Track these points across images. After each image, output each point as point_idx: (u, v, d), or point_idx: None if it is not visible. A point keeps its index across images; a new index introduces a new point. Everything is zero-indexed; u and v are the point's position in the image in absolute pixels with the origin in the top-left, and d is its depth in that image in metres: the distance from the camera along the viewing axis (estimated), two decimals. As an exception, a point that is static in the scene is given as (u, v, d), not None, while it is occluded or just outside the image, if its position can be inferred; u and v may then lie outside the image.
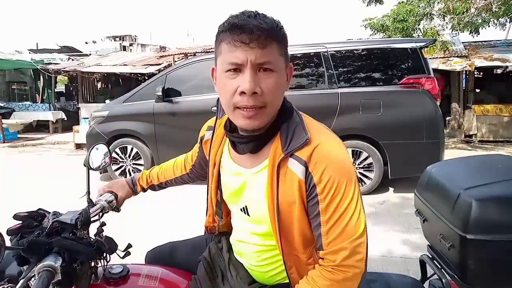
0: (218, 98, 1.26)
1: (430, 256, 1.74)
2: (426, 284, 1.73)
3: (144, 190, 1.77)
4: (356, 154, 5.67)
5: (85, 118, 11.90)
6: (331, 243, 1.12)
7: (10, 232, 1.17)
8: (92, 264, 1.35)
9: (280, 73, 1.15)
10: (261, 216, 1.26)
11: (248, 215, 1.31)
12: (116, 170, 6.63)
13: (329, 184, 1.11)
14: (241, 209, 1.33)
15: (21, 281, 1.07)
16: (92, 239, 1.32)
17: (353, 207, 1.12)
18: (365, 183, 5.72)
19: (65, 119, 14.80)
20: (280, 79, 1.15)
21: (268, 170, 1.19)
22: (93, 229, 1.39)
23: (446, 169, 1.76)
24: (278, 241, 1.21)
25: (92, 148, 1.66)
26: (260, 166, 1.24)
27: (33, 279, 1.08)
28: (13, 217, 1.21)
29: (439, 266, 1.63)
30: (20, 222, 1.20)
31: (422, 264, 1.79)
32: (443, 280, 1.54)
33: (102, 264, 1.38)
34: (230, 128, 1.29)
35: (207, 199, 1.52)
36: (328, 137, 1.19)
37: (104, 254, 1.34)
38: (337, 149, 1.16)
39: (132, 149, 6.59)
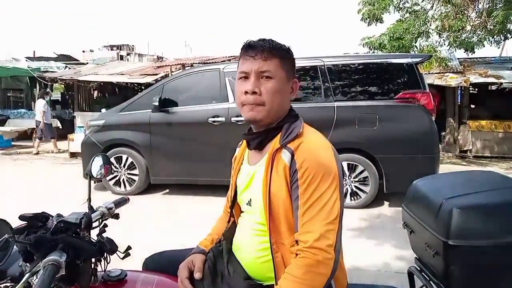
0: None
1: (418, 268, 1.79)
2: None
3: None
4: (351, 168, 5.70)
5: (80, 127, 11.88)
6: (305, 225, 1.30)
7: (16, 231, 1.22)
8: (93, 264, 1.39)
9: (279, 82, 1.44)
10: (257, 203, 1.47)
11: (250, 205, 1.53)
12: (111, 180, 6.58)
13: (307, 171, 1.33)
14: (246, 204, 1.55)
15: (26, 275, 1.13)
16: (94, 240, 1.38)
17: (328, 196, 1.31)
18: (360, 196, 5.74)
19: (60, 127, 14.75)
20: (279, 86, 1.44)
21: (266, 160, 1.44)
22: (93, 236, 1.44)
23: (431, 182, 1.86)
24: (267, 226, 1.40)
25: (94, 158, 1.72)
26: (264, 160, 1.47)
27: (35, 276, 1.14)
28: (18, 217, 1.28)
29: (427, 278, 1.68)
30: (25, 222, 1.24)
31: (410, 276, 1.85)
32: None
33: (103, 265, 1.43)
34: (248, 131, 1.57)
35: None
36: (317, 139, 1.44)
37: (105, 254, 1.39)
38: (321, 148, 1.40)
39: (127, 158, 6.54)
